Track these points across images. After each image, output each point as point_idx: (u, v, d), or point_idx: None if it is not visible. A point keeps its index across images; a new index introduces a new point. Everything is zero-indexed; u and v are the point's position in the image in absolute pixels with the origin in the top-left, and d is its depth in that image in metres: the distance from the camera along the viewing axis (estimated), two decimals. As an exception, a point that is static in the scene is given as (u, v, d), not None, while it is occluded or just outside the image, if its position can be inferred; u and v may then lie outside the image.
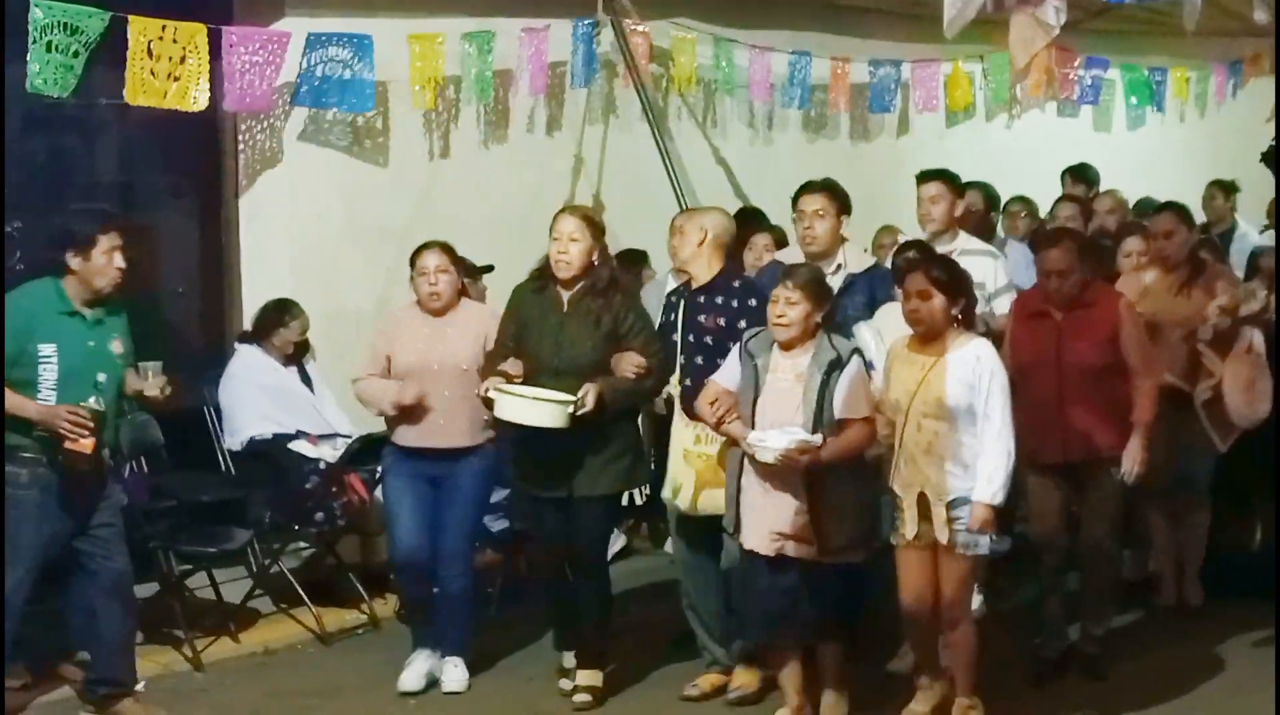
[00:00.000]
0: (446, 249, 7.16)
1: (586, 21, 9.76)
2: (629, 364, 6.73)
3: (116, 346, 6.59)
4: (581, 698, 6.92)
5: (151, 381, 6.64)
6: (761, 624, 6.46)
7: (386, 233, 8.65)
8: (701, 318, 6.91)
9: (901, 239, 8.52)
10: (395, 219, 8.80)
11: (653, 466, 7.06)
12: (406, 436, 7.07)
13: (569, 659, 7.08)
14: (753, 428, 6.25)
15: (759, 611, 6.41)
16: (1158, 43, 13.36)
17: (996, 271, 7.70)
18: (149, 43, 7.72)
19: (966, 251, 7.60)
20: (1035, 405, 6.75)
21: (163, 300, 8.92)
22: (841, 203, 7.31)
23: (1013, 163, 11.68)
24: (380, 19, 8.84)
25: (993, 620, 7.27)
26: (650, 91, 10.08)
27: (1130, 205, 10.47)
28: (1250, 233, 11.27)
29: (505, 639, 7.58)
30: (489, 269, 8.38)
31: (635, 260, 9.13)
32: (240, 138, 8.69)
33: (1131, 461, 6.90)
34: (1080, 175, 11.02)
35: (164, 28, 7.76)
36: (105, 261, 6.47)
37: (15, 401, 6.34)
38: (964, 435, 6.15)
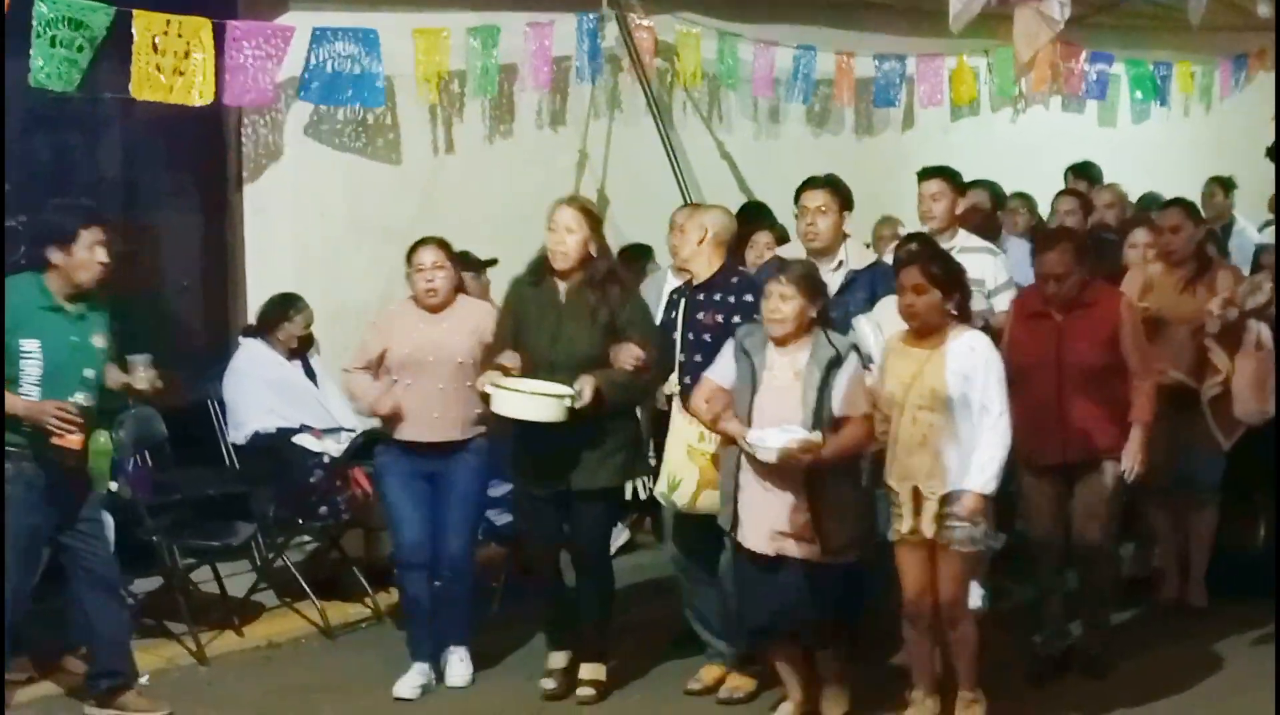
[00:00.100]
0: (443, 245, 7.14)
1: (591, 16, 9.77)
2: (627, 356, 6.69)
3: (99, 341, 6.59)
4: (585, 691, 6.91)
5: (141, 374, 6.64)
6: (762, 625, 6.42)
7: (390, 227, 8.65)
8: (700, 316, 6.91)
9: (902, 232, 8.54)
10: (399, 213, 8.80)
11: (652, 462, 7.03)
12: (401, 430, 7.06)
13: (556, 659, 7.03)
14: (750, 426, 6.23)
15: (759, 612, 6.37)
16: (1163, 37, 13.37)
17: (996, 268, 7.69)
18: (154, 37, 7.74)
19: (966, 249, 7.60)
20: (1034, 406, 6.73)
21: (167, 295, 8.96)
22: (844, 199, 7.30)
23: (1017, 158, 11.70)
24: (384, 13, 8.85)
25: (993, 619, 7.26)
26: (655, 86, 10.08)
27: (1134, 200, 10.48)
28: (1249, 228, 11.28)
29: (508, 636, 7.56)
30: (493, 263, 8.39)
31: (639, 255, 9.13)
32: (244, 132, 8.71)
33: (1132, 460, 6.87)
34: (1082, 173, 11.02)
35: (168, 22, 7.77)
36: (88, 256, 6.46)
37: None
38: (959, 428, 6.14)
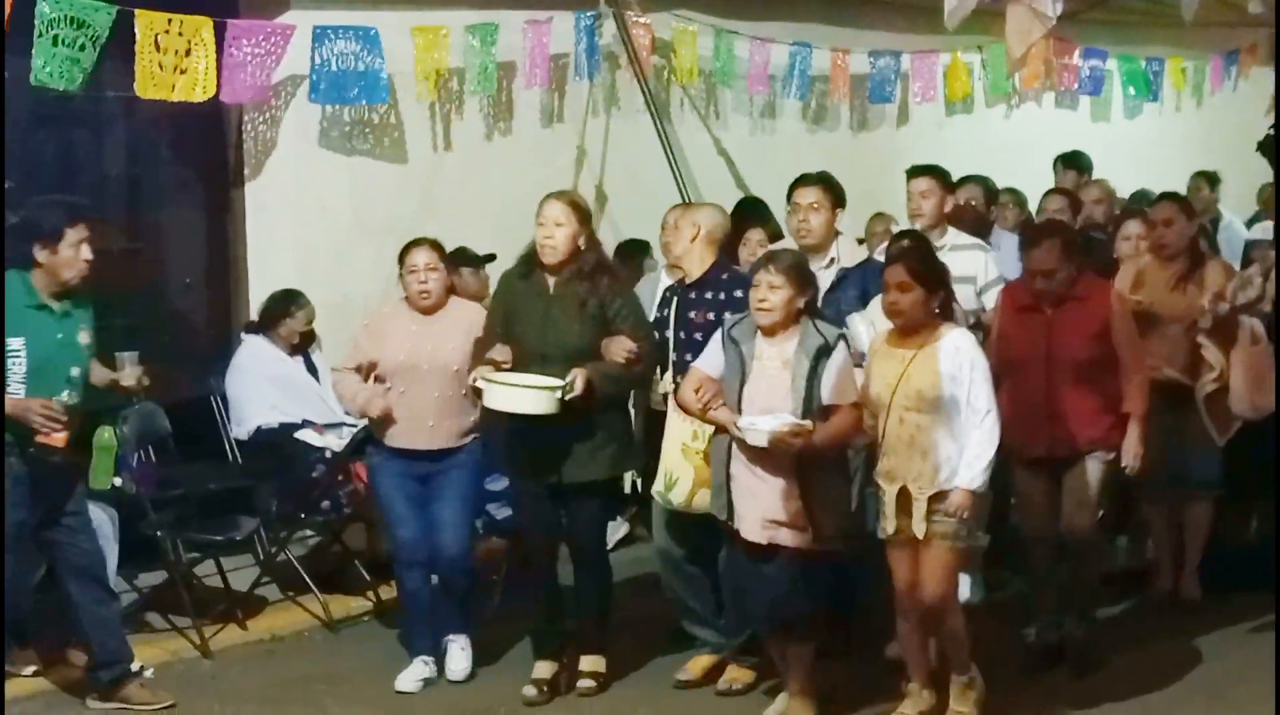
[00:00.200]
0: (436, 246, 7.11)
1: (589, 14, 9.83)
2: (618, 348, 6.68)
3: (84, 337, 6.62)
4: (585, 683, 6.93)
5: (128, 371, 6.69)
6: (757, 616, 6.42)
7: (391, 224, 8.69)
8: (692, 314, 6.91)
9: (894, 229, 8.56)
10: (399, 210, 8.85)
11: (648, 459, 7.04)
12: (394, 437, 7.03)
13: (541, 668, 6.98)
14: (739, 414, 6.19)
15: (754, 604, 6.37)
16: (1155, 33, 13.43)
17: (987, 264, 7.67)
18: (155, 36, 7.79)
19: (956, 246, 7.63)
20: (1024, 399, 6.75)
21: (170, 292, 8.99)
22: (836, 196, 7.24)
23: (1011, 153, 11.75)
24: (384, 12, 8.90)
25: (985, 612, 7.30)
26: (652, 83, 10.12)
27: (1126, 197, 10.50)
28: (1236, 222, 11.31)
29: (509, 630, 7.54)
30: (491, 258, 8.41)
31: (637, 251, 9.17)
32: (245, 130, 8.75)
33: (1131, 455, 6.86)
34: (1072, 163, 11.02)
35: (169, 21, 7.82)
36: (73, 254, 6.48)
37: None
38: (946, 427, 6.11)
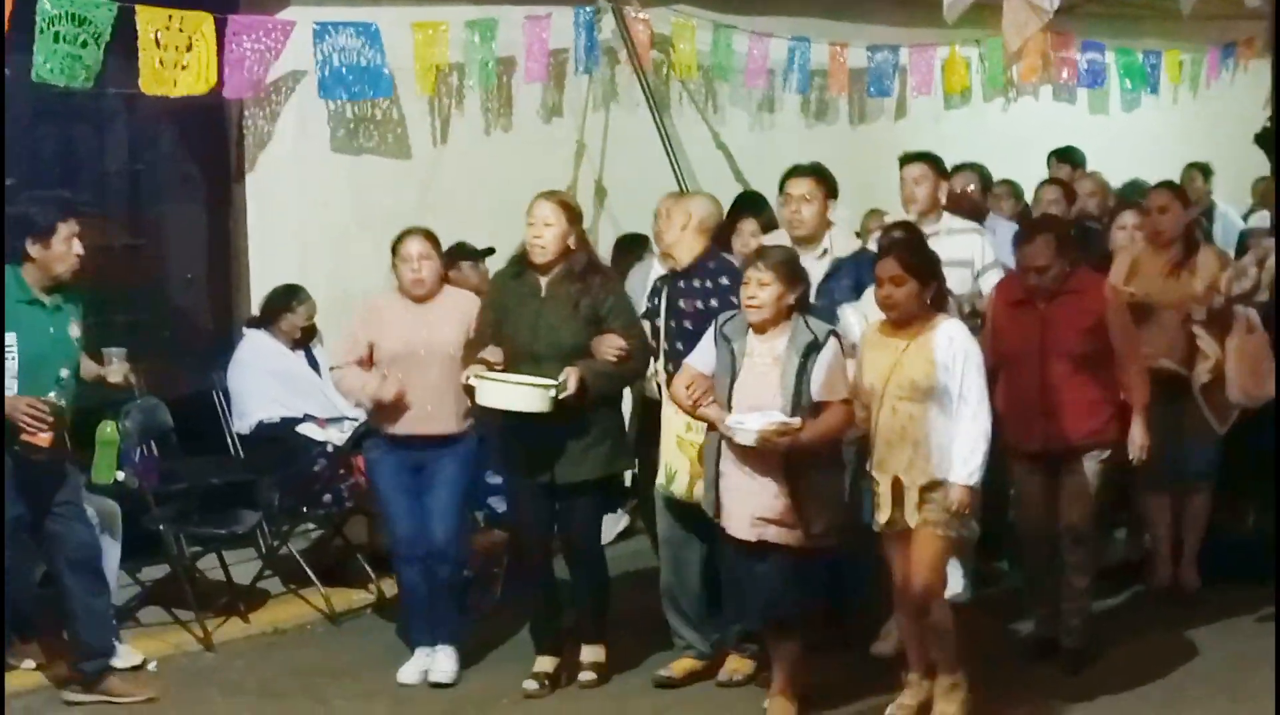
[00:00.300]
0: (429, 236, 7.12)
1: (588, 9, 9.86)
2: (609, 347, 6.69)
3: (74, 331, 6.63)
4: (586, 675, 6.95)
5: (115, 367, 6.70)
6: (754, 611, 6.42)
7: (391, 218, 8.66)
8: (682, 302, 6.90)
9: (888, 222, 8.56)
10: (400, 205, 8.86)
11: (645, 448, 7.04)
12: (394, 425, 7.04)
13: (543, 663, 6.99)
14: (730, 411, 6.18)
15: (745, 601, 6.37)
16: (1153, 26, 13.44)
17: (984, 248, 7.64)
18: (156, 32, 7.82)
19: (952, 230, 7.61)
20: (1018, 394, 6.75)
21: (172, 287, 9.01)
22: (829, 187, 7.20)
23: (1009, 146, 11.74)
24: (384, 7, 8.93)
25: (977, 608, 7.29)
26: (651, 78, 10.15)
27: (1118, 187, 10.50)
28: (1230, 212, 11.31)
29: (510, 621, 7.55)
30: (490, 252, 8.44)
31: (636, 245, 9.18)
32: (245, 125, 8.78)
33: (1136, 446, 6.87)
34: (1065, 157, 11.03)
35: (170, 17, 7.85)
36: (65, 248, 6.50)
37: None
38: (939, 418, 6.10)
